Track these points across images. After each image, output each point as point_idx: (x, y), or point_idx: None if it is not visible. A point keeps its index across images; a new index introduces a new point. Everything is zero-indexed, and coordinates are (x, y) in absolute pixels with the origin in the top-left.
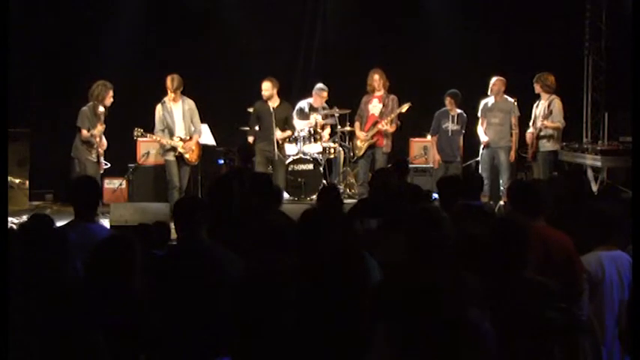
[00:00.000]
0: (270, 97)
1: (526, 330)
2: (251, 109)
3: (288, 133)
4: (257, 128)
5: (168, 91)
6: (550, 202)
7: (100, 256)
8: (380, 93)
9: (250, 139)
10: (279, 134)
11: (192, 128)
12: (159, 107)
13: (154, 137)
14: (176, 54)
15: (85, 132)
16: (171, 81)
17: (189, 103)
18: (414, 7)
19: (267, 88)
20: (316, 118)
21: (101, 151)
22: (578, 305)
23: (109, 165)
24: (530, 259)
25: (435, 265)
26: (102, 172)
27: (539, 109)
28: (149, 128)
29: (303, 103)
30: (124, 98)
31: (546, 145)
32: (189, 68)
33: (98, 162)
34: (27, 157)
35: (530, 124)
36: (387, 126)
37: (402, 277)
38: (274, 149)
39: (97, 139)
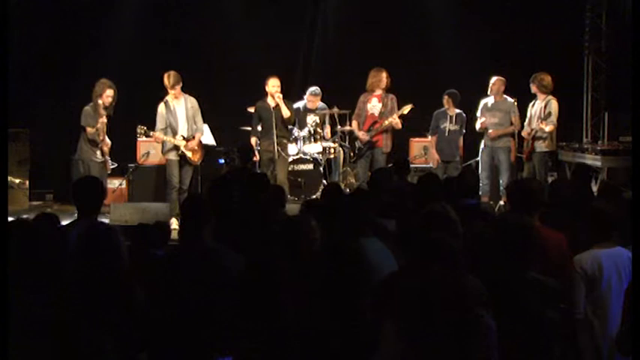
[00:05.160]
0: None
1: (526, 329)
2: (252, 109)
3: None
4: (259, 128)
5: (167, 89)
6: (546, 200)
7: (84, 245)
8: (379, 92)
9: (253, 139)
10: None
11: (195, 127)
12: (161, 106)
13: (157, 134)
14: (176, 54)
15: (89, 129)
16: (167, 78)
17: (192, 102)
18: (414, 6)
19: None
20: (314, 119)
21: (106, 149)
22: (573, 303)
23: (116, 165)
24: (531, 258)
25: (444, 264)
26: (109, 172)
27: (534, 109)
28: (150, 128)
29: (299, 104)
30: (123, 98)
31: (542, 146)
32: (190, 68)
33: (104, 162)
34: (27, 157)
35: (526, 124)
36: (396, 119)
37: (414, 276)
38: (274, 149)
39: (101, 137)
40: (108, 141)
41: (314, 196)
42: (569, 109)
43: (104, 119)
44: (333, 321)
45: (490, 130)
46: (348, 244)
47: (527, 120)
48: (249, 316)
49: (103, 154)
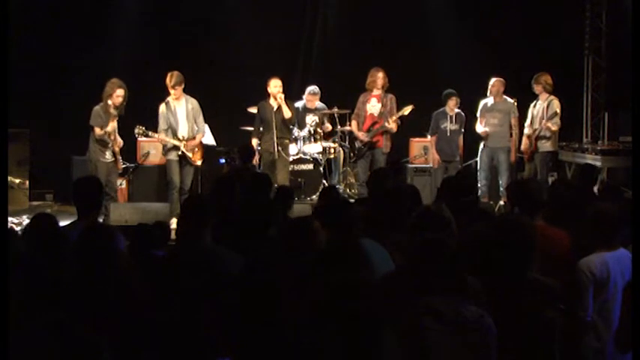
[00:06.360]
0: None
1: (526, 329)
2: (254, 110)
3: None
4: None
5: (168, 88)
6: (547, 200)
7: (80, 247)
8: (378, 92)
9: (254, 140)
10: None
11: (196, 128)
12: (162, 106)
13: (156, 136)
14: (176, 54)
15: (98, 130)
16: (170, 77)
17: (193, 103)
18: (414, 7)
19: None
20: (314, 119)
21: (117, 149)
22: (581, 306)
23: (127, 164)
24: (531, 258)
25: (439, 265)
26: (120, 171)
27: (536, 109)
28: (149, 128)
29: (298, 104)
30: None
31: (545, 146)
32: (190, 68)
33: (115, 161)
34: (27, 157)
35: (527, 124)
36: (392, 124)
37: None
38: (275, 149)
39: (112, 138)
40: (120, 140)
41: (314, 196)
42: (569, 109)
43: (115, 124)
44: (335, 321)
45: (485, 129)
46: (349, 244)
47: (529, 120)
48: (249, 316)
49: (114, 154)
